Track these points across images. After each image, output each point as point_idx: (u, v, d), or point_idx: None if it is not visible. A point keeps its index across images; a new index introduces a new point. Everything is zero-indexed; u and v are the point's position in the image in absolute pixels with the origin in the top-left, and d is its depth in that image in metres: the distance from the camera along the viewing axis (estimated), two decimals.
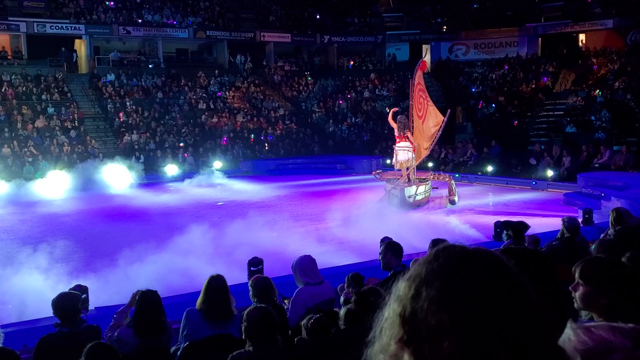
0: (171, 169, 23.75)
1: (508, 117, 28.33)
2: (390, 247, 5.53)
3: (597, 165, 19.59)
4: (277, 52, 36.60)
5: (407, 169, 16.20)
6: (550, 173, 19.73)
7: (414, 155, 16.08)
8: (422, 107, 16.80)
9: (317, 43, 37.32)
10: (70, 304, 4.09)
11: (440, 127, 16.74)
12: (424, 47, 37.56)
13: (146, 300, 4.08)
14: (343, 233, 11.42)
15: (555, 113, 27.58)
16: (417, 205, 15.91)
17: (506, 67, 33.39)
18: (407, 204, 15.47)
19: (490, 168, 21.90)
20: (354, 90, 34.23)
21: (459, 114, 31.84)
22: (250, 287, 4.89)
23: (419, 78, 16.95)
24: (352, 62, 37.54)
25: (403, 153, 15.99)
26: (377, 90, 33.89)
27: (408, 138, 16.03)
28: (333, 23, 37.97)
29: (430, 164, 23.88)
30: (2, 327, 5.17)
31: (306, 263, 5.22)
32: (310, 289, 5.07)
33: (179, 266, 9.02)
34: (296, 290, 5.14)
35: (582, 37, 34.57)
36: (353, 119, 31.34)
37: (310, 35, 36.92)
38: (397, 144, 16.14)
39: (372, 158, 26.65)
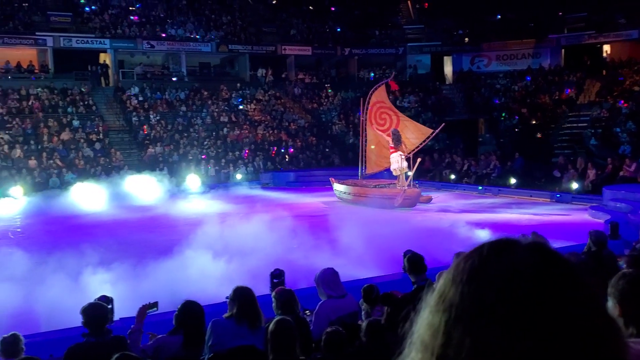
0: (194, 181, 23.94)
1: (531, 129, 28.08)
2: (411, 260, 5.49)
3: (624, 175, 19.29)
4: (298, 64, 36.84)
5: (407, 175, 18.25)
6: (575, 186, 19.47)
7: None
8: (386, 122, 19.36)
9: (337, 55, 37.48)
10: (100, 314, 4.15)
11: (427, 139, 19.31)
12: (445, 58, 37.68)
13: (193, 311, 4.15)
14: (366, 244, 11.37)
15: (579, 125, 27.27)
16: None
17: (529, 79, 33.13)
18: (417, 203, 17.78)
19: (513, 180, 21.69)
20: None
21: (481, 125, 31.69)
22: (273, 299, 4.91)
23: (378, 97, 19.66)
24: (372, 74, 37.59)
25: (403, 161, 18.04)
26: (397, 101, 33.85)
27: (401, 148, 18.16)
28: (354, 35, 38.14)
29: (452, 176, 23.86)
30: (29, 337, 5.25)
31: (329, 276, 5.21)
32: (334, 302, 5.07)
33: (201, 277, 9.07)
34: (319, 303, 5.13)
35: (606, 47, 34.19)
36: None
37: (330, 48, 37.12)
38: (396, 153, 18.08)
39: None
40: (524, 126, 28.57)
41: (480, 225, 13.74)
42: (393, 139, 18.29)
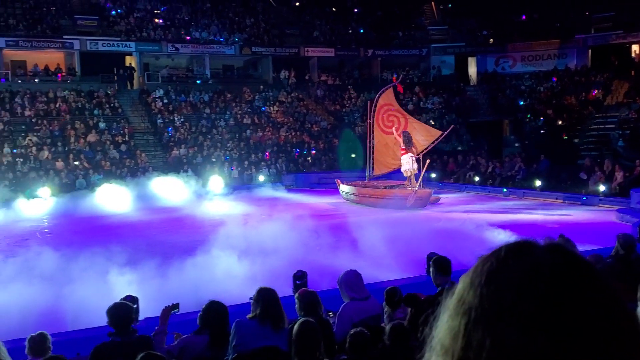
0: (217, 183, 24.12)
1: (557, 131, 27.70)
2: (436, 263, 5.44)
3: None
4: (321, 66, 36.87)
5: (417, 175, 18.77)
6: (602, 188, 19.15)
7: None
8: (393, 124, 19.93)
9: (360, 57, 37.43)
10: (124, 314, 4.21)
11: (436, 141, 19.66)
12: (469, 59, 37.38)
13: (218, 311, 4.19)
14: (388, 245, 11.34)
15: (607, 126, 26.81)
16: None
17: (555, 80, 32.69)
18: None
19: (539, 183, 21.41)
20: (399, 103, 34.07)
21: (506, 127, 31.37)
22: (296, 301, 4.91)
23: (385, 100, 20.31)
24: (396, 75, 37.46)
25: (414, 162, 18.67)
26: (421, 103, 33.69)
27: (412, 150, 18.71)
28: (377, 37, 38.05)
29: (476, 178, 23.71)
30: (56, 336, 5.34)
31: (352, 278, 5.20)
32: (357, 304, 5.05)
33: (225, 278, 9.13)
34: (342, 305, 5.12)
35: (635, 47, 33.56)
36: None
37: (353, 49, 37.06)
38: (407, 155, 18.64)
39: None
40: (549, 128, 28.21)
41: (505, 227, 13.59)
42: (404, 141, 18.76)
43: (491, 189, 22.62)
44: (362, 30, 38.33)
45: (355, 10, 39.69)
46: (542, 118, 28.92)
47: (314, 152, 29.11)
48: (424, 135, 19.68)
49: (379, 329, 4.81)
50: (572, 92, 30.52)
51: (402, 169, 19.01)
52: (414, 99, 34.20)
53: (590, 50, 34.37)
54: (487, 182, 23.39)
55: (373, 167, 21.22)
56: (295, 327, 3.85)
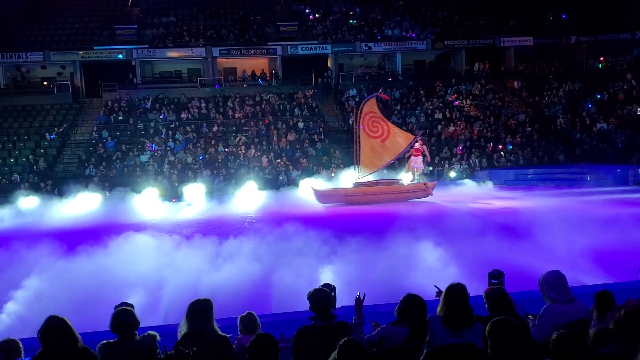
0: (407, 179, 24.16)
1: None
2: None
3: None
4: (517, 56, 35.07)
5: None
6: None
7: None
8: (378, 129, 21.61)
9: (562, 44, 34.82)
10: (325, 299, 4.47)
11: (412, 142, 21.73)
12: None
13: (416, 305, 4.31)
14: (596, 248, 10.43)
15: None
16: None
17: None
18: None
19: None
20: (607, 92, 31.06)
21: None
22: (485, 299, 4.80)
23: (369, 108, 21.71)
24: (602, 62, 34.16)
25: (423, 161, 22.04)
26: (634, 91, 30.28)
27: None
28: (581, 22, 35.04)
29: None
30: (262, 317, 5.84)
31: (554, 279, 4.92)
32: (559, 306, 4.76)
33: (413, 271, 9.16)
34: (543, 307, 4.87)
35: None
36: (605, 125, 28.46)
37: (554, 37, 34.63)
38: (420, 155, 21.66)
39: (627, 168, 23.83)
40: None
41: None
42: (413, 145, 21.49)
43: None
44: (563, 16, 35.62)
45: None
46: None
47: (510, 147, 27.79)
48: (403, 138, 21.90)
49: (584, 334, 4.48)
50: None
51: (415, 167, 21.83)
52: (625, 87, 30.88)
53: None
54: None
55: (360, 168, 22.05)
56: (490, 325, 3.75)
